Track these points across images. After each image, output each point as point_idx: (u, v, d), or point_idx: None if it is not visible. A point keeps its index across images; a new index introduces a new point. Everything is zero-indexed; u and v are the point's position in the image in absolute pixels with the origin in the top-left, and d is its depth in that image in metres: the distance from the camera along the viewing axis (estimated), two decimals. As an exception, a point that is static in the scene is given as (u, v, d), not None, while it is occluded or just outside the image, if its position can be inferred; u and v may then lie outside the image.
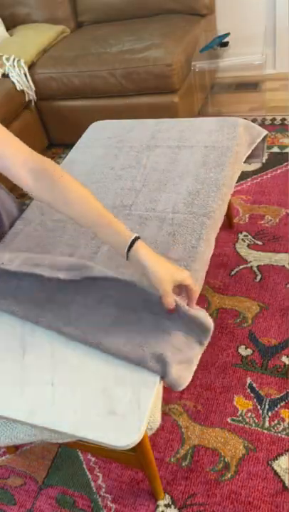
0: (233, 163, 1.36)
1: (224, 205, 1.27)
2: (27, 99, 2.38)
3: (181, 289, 0.90)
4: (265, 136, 1.51)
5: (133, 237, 0.86)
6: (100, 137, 1.61)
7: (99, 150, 1.54)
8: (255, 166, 2.14)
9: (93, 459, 1.23)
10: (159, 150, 1.47)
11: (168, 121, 1.61)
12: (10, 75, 2.27)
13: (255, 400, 1.27)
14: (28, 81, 2.34)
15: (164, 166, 1.40)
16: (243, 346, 1.40)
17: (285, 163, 2.12)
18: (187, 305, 0.90)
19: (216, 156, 1.38)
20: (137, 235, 0.87)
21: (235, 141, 1.42)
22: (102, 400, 0.85)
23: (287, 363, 1.34)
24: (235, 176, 1.37)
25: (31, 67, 2.37)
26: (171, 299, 0.86)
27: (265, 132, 1.49)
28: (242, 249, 1.74)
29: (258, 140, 1.47)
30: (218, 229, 1.22)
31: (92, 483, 1.18)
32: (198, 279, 1.04)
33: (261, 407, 1.25)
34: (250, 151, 1.43)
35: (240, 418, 1.24)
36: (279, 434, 1.19)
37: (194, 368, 0.92)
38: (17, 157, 0.91)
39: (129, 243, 0.86)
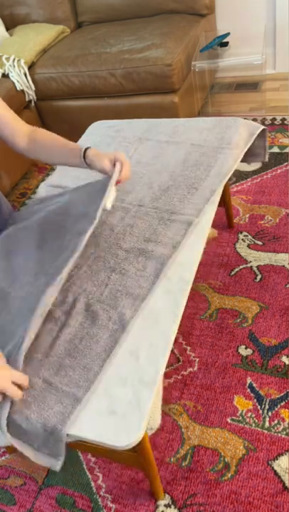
0: (215, 163, 1.36)
1: (195, 205, 1.24)
2: (27, 99, 2.38)
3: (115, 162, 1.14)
4: (264, 133, 1.51)
5: (85, 147, 1.14)
6: (100, 131, 1.65)
7: (96, 138, 1.60)
8: (255, 165, 2.14)
9: (93, 459, 1.23)
10: (148, 143, 1.50)
11: (166, 120, 1.61)
12: (10, 75, 2.27)
13: (255, 400, 1.27)
14: (28, 81, 2.34)
15: (147, 159, 1.43)
16: (243, 346, 1.40)
17: (285, 163, 2.11)
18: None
19: (197, 155, 1.40)
20: (88, 145, 1.15)
21: (224, 141, 1.43)
22: (102, 400, 0.85)
23: (287, 363, 1.34)
24: (220, 176, 1.32)
25: (31, 67, 2.37)
26: (109, 167, 1.12)
27: (261, 127, 1.48)
28: (242, 249, 1.74)
29: (254, 136, 1.46)
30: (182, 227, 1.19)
31: (92, 483, 1.18)
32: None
33: (261, 407, 1.25)
34: (246, 149, 1.43)
35: (240, 418, 1.24)
36: (279, 434, 1.19)
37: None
38: (20, 129, 1.21)
39: (82, 152, 1.13)
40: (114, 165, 1.12)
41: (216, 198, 1.26)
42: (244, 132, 1.47)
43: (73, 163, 1.18)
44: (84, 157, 1.14)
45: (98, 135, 1.61)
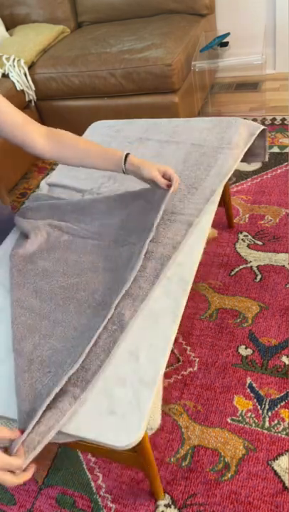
0: (215, 163, 1.36)
1: (195, 204, 1.24)
2: (27, 99, 2.38)
3: (164, 177, 1.16)
4: (264, 133, 1.51)
5: (125, 153, 1.13)
6: (100, 131, 1.65)
7: (96, 138, 1.59)
8: (255, 165, 2.14)
9: (93, 459, 1.23)
10: (149, 143, 1.51)
11: (167, 120, 1.61)
12: (10, 75, 2.27)
13: (255, 400, 1.27)
14: (28, 81, 2.34)
15: (148, 159, 1.41)
16: (243, 346, 1.40)
17: (285, 163, 2.11)
18: (168, 186, 1.16)
19: (197, 155, 1.40)
20: (127, 151, 1.14)
21: (224, 141, 1.43)
22: (102, 400, 0.85)
23: (287, 363, 1.34)
24: (220, 176, 1.31)
25: (31, 67, 2.37)
26: (162, 179, 1.14)
27: (261, 127, 1.48)
28: (242, 249, 1.74)
29: (254, 136, 1.46)
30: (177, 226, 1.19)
31: (92, 483, 1.18)
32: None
33: (261, 407, 1.25)
34: (245, 149, 1.43)
35: (240, 418, 1.24)
36: (279, 434, 1.19)
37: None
38: (38, 130, 1.16)
39: (123, 158, 1.13)
40: (162, 176, 1.15)
41: (216, 198, 1.26)
42: (244, 132, 1.47)
43: (106, 167, 1.16)
44: (124, 162, 1.13)
45: (98, 135, 1.61)
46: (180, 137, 1.50)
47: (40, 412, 0.79)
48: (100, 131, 1.65)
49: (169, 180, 1.16)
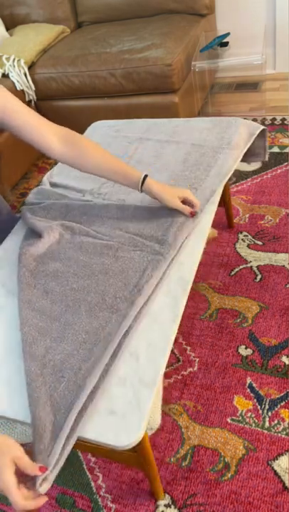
0: (215, 163, 1.36)
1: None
2: (27, 99, 2.38)
3: (185, 202, 1.19)
4: (264, 133, 1.51)
5: (143, 176, 1.15)
6: (100, 131, 1.65)
7: (96, 138, 1.59)
8: (255, 165, 2.14)
9: (93, 459, 1.23)
10: (149, 143, 1.50)
11: (166, 120, 1.62)
12: (10, 75, 2.27)
13: (255, 400, 1.27)
14: (28, 81, 2.34)
15: (148, 158, 1.43)
16: (243, 346, 1.40)
17: (285, 163, 2.12)
18: (192, 213, 1.18)
19: (198, 155, 1.40)
20: (145, 173, 1.15)
21: (223, 141, 1.43)
22: (102, 400, 0.84)
23: (287, 363, 1.34)
24: (219, 177, 1.31)
25: (31, 67, 2.37)
26: (187, 209, 1.17)
27: (261, 127, 1.48)
28: (242, 249, 1.74)
29: (254, 136, 1.46)
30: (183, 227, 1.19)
31: (92, 483, 1.18)
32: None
33: (261, 407, 1.25)
34: (245, 149, 1.43)
35: (240, 418, 1.24)
36: (279, 434, 1.19)
37: None
38: (51, 130, 1.15)
39: (141, 180, 1.15)
40: (183, 202, 1.18)
41: (216, 198, 1.26)
42: (244, 132, 1.47)
43: (123, 184, 1.18)
44: (142, 185, 1.15)
45: (98, 135, 1.61)
46: (180, 137, 1.50)
47: (62, 441, 0.78)
48: (100, 131, 1.65)
49: (190, 205, 1.18)
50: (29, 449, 0.78)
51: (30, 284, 1.08)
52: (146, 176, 1.15)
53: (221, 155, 1.38)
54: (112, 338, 0.91)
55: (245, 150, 1.42)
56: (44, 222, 1.23)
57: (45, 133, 1.12)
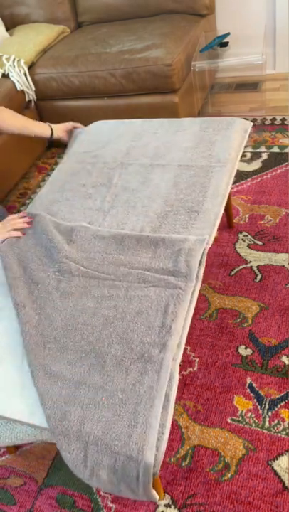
0: (209, 183, 1.30)
1: (201, 229, 1.19)
2: (27, 99, 2.38)
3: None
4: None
5: (48, 123, 1.61)
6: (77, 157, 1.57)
7: (74, 165, 1.50)
8: (255, 165, 2.14)
9: (93, 459, 1.23)
10: (132, 168, 1.44)
11: (146, 140, 1.56)
12: (10, 75, 2.27)
13: (255, 400, 1.27)
14: (28, 81, 2.34)
15: (135, 185, 1.36)
16: (243, 346, 1.40)
17: (285, 163, 2.11)
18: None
19: (187, 176, 1.33)
20: (48, 123, 1.61)
21: (212, 159, 1.37)
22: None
23: (287, 363, 1.34)
24: (218, 198, 1.27)
25: (31, 67, 2.37)
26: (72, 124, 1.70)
27: (247, 124, 1.48)
28: (242, 249, 1.74)
29: (245, 140, 1.45)
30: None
31: (92, 483, 1.18)
32: None
33: (261, 407, 1.25)
34: (240, 153, 1.42)
35: (240, 418, 1.24)
36: (279, 434, 1.19)
37: None
38: None
39: (50, 127, 1.60)
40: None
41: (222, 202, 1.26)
42: (234, 142, 1.45)
43: (37, 133, 1.59)
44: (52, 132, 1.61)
45: (76, 162, 1.52)
46: (164, 159, 1.43)
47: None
48: (75, 157, 1.55)
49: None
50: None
51: (38, 344, 0.95)
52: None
53: (214, 173, 1.32)
54: (155, 392, 0.81)
55: (240, 154, 1.41)
56: (38, 265, 1.11)
57: None
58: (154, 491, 0.77)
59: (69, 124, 1.68)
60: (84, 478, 0.78)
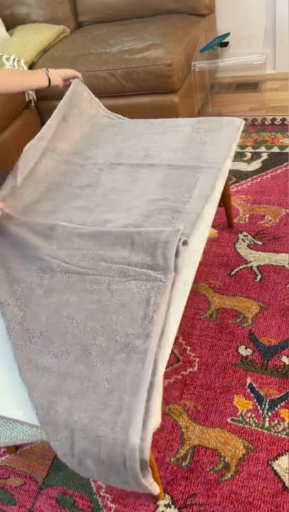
0: (195, 184, 1.29)
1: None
2: (27, 99, 2.38)
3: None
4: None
5: (44, 69, 1.52)
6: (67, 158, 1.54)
7: (63, 166, 1.48)
8: (255, 165, 2.14)
9: (93, 459, 1.23)
10: (121, 168, 1.42)
11: (135, 141, 1.55)
12: (10, 75, 2.27)
13: (255, 400, 1.27)
14: (28, 81, 2.34)
15: (123, 185, 1.36)
16: (243, 346, 1.40)
17: (285, 163, 2.12)
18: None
19: (175, 177, 1.32)
20: (45, 69, 1.52)
21: (200, 160, 1.36)
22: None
23: (287, 363, 1.34)
24: (202, 198, 1.25)
25: (31, 67, 2.37)
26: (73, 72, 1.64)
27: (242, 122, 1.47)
28: (242, 249, 1.74)
29: (237, 140, 1.45)
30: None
31: (92, 483, 1.18)
32: None
33: (261, 407, 1.25)
34: (233, 152, 1.41)
35: (240, 418, 1.24)
36: (279, 434, 1.19)
37: None
38: None
39: (47, 75, 1.51)
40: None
41: (216, 197, 1.25)
42: (224, 142, 1.44)
43: (34, 85, 1.55)
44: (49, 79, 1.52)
45: (65, 163, 1.50)
46: (154, 159, 1.42)
47: None
48: (67, 158, 1.52)
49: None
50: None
51: (24, 339, 0.96)
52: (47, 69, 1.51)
53: (201, 174, 1.31)
54: (140, 380, 0.84)
55: (233, 153, 1.40)
56: (19, 264, 1.11)
57: None
58: (148, 482, 0.77)
59: (69, 73, 1.60)
60: (73, 466, 0.80)
